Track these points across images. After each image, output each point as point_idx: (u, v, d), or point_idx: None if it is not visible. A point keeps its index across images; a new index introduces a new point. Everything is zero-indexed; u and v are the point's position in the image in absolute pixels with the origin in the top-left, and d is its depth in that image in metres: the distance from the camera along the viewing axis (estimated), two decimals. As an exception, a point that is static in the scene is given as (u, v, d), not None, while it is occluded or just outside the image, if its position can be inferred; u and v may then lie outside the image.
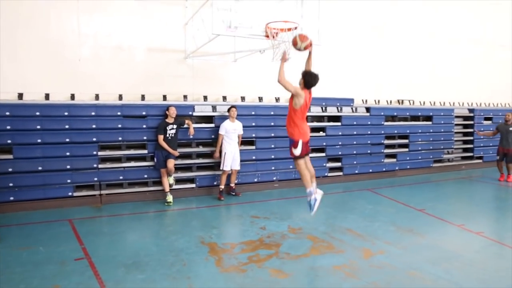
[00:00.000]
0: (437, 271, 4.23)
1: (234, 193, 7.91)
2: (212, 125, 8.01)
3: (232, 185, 7.95)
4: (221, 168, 7.65)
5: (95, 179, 7.12)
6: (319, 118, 9.24)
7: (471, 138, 11.71)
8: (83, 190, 7.11)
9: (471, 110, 11.79)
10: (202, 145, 8.07)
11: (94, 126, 7.06)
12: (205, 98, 8.36)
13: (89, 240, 5.17)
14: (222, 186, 7.72)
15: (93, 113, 7.05)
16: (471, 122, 11.70)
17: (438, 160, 11.02)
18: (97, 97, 7.35)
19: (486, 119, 12.06)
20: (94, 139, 7.08)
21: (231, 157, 7.64)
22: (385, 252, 4.74)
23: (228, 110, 7.74)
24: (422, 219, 6.31)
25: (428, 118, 10.80)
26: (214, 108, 8.12)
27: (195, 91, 8.45)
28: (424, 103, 11.35)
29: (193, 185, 7.89)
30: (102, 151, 7.21)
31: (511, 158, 9.49)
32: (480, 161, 11.84)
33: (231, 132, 7.63)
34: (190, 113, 7.84)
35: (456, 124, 11.42)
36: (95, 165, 7.11)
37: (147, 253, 4.70)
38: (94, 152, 7.09)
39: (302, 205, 7.15)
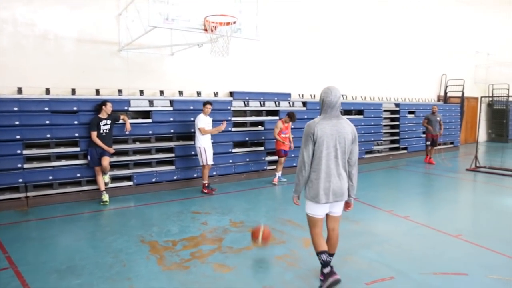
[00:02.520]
0: (371, 255, 4.52)
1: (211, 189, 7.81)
2: (149, 120, 7.77)
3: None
4: (204, 163, 7.55)
5: (20, 180, 6.56)
6: (258, 113, 9.37)
7: (397, 130, 12.63)
8: (5, 193, 6.51)
9: (397, 105, 12.69)
10: (139, 141, 7.80)
11: (17, 122, 6.48)
12: (141, 92, 8.07)
13: (15, 247, 4.76)
14: (206, 181, 7.67)
15: (15, 108, 6.47)
16: (397, 116, 12.61)
17: (369, 152, 11.74)
18: (19, 90, 6.75)
19: (410, 113, 13.07)
20: (18, 137, 6.51)
21: (211, 151, 7.62)
22: (324, 240, 4.96)
23: (205, 105, 7.59)
24: (356, 207, 6.59)
25: (360, 112, 11.44)
26: (151, 103, 7.87)
27: (130, 85, 8.12)
28: (356, 98, 11.99)
29: (131, 183, 7.60)
30: (28, 150, 6.66)
31: (436, 142, 11.53)
32: (405, 151, 12.83)
33: (207, 126, 7.57)
34: (126, 108, 7.52)
35: (384, 118, 12.23)
36: (19, 165, 6.54)
37: (82, 257, 4.45)
38: (18, 151, 6.51)
39: (242, 198, 7.24)
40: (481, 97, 10.97)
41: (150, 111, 7.78)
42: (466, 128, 17.15)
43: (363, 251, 4.65)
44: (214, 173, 8.53)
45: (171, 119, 7.98)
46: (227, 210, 6.42)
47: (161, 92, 8.31)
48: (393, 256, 4.54)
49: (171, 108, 8.03)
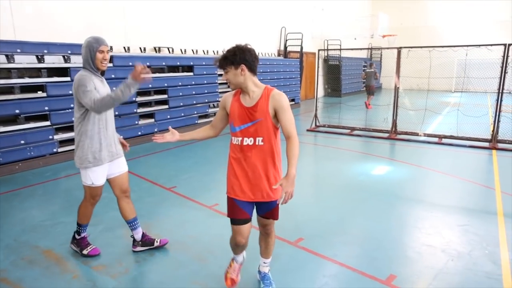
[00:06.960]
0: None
1: None
2: None
3: None
4: None
5: None
6: (35, 72, 6.50)
7: (235, 89, 11.18)
8: None
9: (234, 60, 11.13)
10: None
11: None
12: None
13: None
14: None
15: None
16: (236, 72, 11.10)
17: (204, 116, 9.99)
18: None
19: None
20: None
21: None
22: (87, 293, 2.90)
23: None
24: (168, 203, 4.80)
25: (189, 68, 9.46)
26: None
27: None
28: (185, 51, 9.95)
29: None
30: None
31: (373, 91, 13.90)
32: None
33: None
34: None
35: (220, 75, 10.56)
36: None
37: None
38: None
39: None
40: (319, 50, 10.21)
41: None
42: (306, 84, 17.06)
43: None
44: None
45: None
46: None
47: None
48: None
49: None
